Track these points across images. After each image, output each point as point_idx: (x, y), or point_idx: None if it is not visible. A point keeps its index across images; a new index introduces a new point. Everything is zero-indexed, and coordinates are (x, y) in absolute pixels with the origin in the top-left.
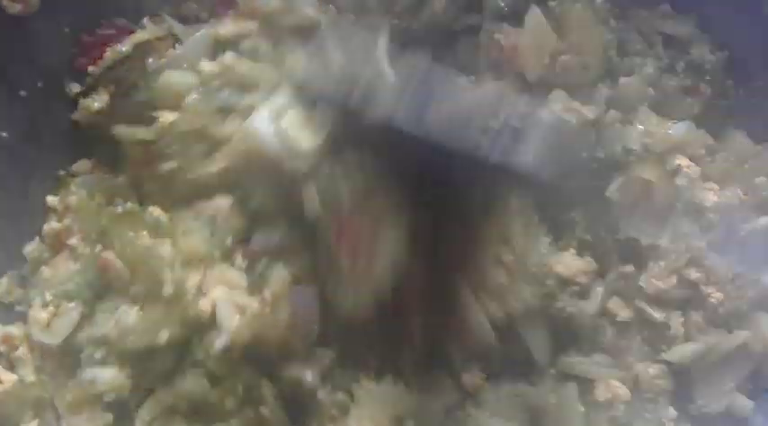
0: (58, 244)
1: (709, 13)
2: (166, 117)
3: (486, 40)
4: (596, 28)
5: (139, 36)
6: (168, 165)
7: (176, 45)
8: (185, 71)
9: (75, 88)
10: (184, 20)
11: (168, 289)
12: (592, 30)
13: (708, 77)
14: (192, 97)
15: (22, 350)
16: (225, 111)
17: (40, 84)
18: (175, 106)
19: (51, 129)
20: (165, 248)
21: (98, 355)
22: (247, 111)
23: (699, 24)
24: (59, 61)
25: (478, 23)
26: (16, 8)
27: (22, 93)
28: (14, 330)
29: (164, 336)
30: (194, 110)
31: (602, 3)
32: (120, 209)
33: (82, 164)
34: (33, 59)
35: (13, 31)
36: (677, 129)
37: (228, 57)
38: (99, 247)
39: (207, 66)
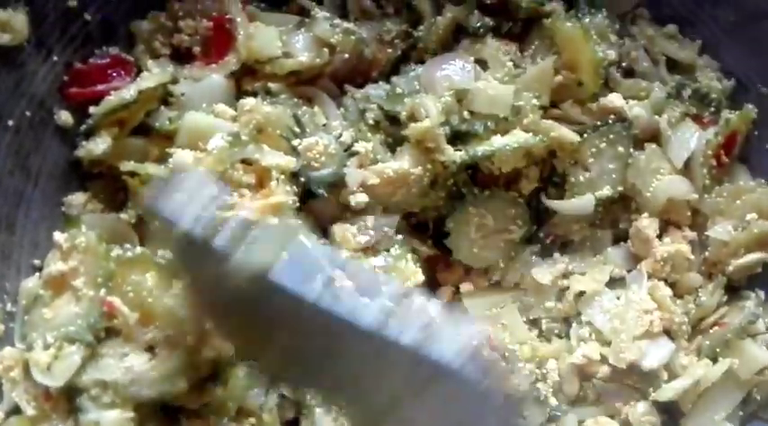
0: (61, 286)
1: (714, 39)
2: (181, 155)
3: None
4: (588, 45)
5: (144, 83)
6: None
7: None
8: (208, 113)
9: (66, 117)
10: (176, 51)
11: (192, 340)
12: (584, 47)
13: (713, 108)
14: (218, 141)
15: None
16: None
17: (28, 113)
18: (193, 146)
19: (41, 160)
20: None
21: (106, 399)
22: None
23: (704, 50)
24: (49, 90)
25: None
26: (5, 38)
27: (10, 122)
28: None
29: (182, 385)
30: (220, 154)
31: (600, 19)
32: (129, 254)
33: (76, 197)
34: (21, 88)
35: (0, 60)
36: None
37: (250, 102)
38: (103, 291)
39: (227, 110)
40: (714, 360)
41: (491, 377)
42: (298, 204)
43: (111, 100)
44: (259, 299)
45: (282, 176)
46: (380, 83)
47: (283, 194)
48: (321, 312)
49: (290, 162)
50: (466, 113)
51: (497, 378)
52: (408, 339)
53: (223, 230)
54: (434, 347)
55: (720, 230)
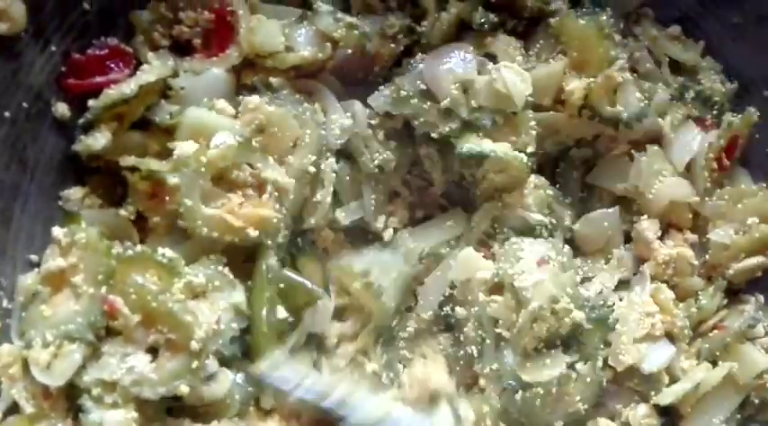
0: (60, 282)
1: (718, 41)
2: (184, 149)
3: None
4: (602, 44)
5: (145, 77)
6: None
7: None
8: (209, 108)
9: (63, 109)
10: (176, 43)
11: (195, 345)
12: (596, 46)
13: (715, 111)
14: (227, 138)
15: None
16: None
17: (25, 105)
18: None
19: (38, 153)
20: (177, 290)
21: (109, 399)
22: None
23: (708, 51)
24: (46, 81)
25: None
26: (2, 27)
27: (6, 113)
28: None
29: (184, 389)
30: (227, 151)
31: (606, 19)
32: (130, 252)
33: (74, 192)
34: (18, 78)
35: None
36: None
37: (254, 100)
38: (104, 289)
39: (227, 108)
40: (714, 364)
41: None
42: (286, 233)
43: (111, 94)
44: None
45: (276, 193)
46: (381, 88)
47: (271, 210)
48: None
49: (288, 183)
50: (473, 102)
51: None
52: None
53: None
54: None
55: (721, 233)
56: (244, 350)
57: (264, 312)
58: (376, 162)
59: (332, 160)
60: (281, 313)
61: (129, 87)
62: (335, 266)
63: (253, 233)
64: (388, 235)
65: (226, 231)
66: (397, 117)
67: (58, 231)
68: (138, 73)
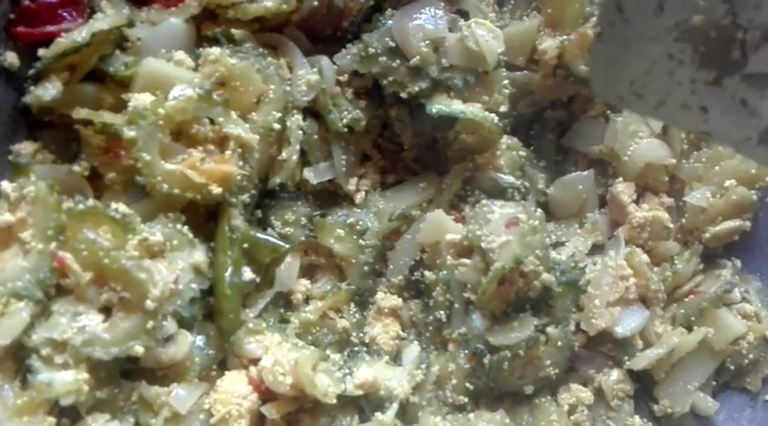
0: (8, 238)
1: None
2: (140, 101)
3: None
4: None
5: (98, 25)
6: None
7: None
8: (167, 61)
9: (12, 58)
10: None
11: (150, 304)
12: (571, 2)
13: None
14: (186, 90)
15: None
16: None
17: None
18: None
19: None
20: (131, 247)
21: (59, 360)
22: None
23: None
24: None
25: None
26: None
27: None
28: None
29: (139, 349)
30: (185, 103)
31: None
32: (81, 206)
33: (24, 147)
34: None
35: None
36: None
37: (214, 51)
38: (54, 244)
39: (186, 59)
40: (689, 329)
41: None
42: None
43: (62, 42)
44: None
45: (240, 150)
46: (349, 46)
47: (234, 166)
48: None
49: (252, 139)
50: (444, 61)
51: None
52: None
53: None
54: None
55: (698, 196)
56: (206, 312)
57: (228, 273)
58: (345, 120)
59: (298, 117)
60: (248, 274)
61: (80, 35)
62: (316, 220)
63: (216, 190)
64: (359, 197)
65: (187, 187)
66: (365, 76)
67: (6, 185)
68: (90, 21)
